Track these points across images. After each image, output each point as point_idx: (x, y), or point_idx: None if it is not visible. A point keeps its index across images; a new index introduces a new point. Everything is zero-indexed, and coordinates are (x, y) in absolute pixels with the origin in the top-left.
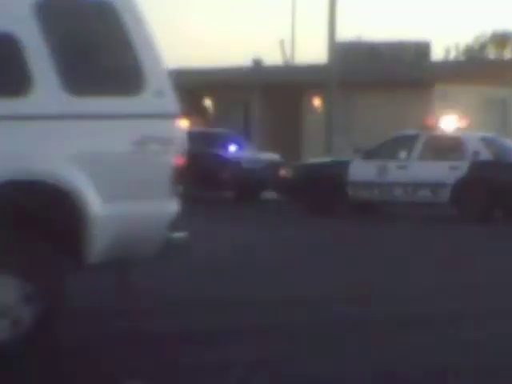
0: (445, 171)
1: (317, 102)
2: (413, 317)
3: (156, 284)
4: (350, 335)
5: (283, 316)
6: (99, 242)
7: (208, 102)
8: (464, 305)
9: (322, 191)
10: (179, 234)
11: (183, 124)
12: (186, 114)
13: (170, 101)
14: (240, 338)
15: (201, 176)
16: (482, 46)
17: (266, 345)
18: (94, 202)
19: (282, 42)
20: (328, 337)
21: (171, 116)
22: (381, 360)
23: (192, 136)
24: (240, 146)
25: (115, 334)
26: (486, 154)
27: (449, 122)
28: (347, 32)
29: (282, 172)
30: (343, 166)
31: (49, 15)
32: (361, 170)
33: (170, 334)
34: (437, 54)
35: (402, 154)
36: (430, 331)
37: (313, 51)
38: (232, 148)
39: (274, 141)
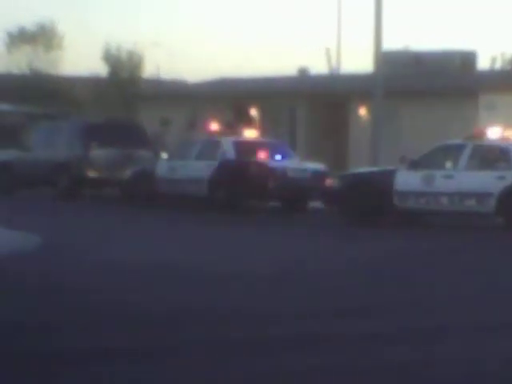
0: (491, 181)
1: (363, 111)
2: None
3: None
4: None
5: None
6: None
7: (254, 111)
8: None
9: (368, 201)
10: None
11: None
12: (233, 123)
13: None
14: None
15: (247, 185)
16: None
17: None
18: None
19: (327, 51)
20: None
21: None
22: None
23: (237, 145)
24: (286, 156)
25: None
26: None
27: (495, 132)
28: (393, 41)
29: (328, 182)
30: (389, 175)
31: None
32: (407, 180)
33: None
34: (483, 63)
35: (448, 164)
36: None
37: (359, 60)
38: (278, 157)
39: (319, 150)
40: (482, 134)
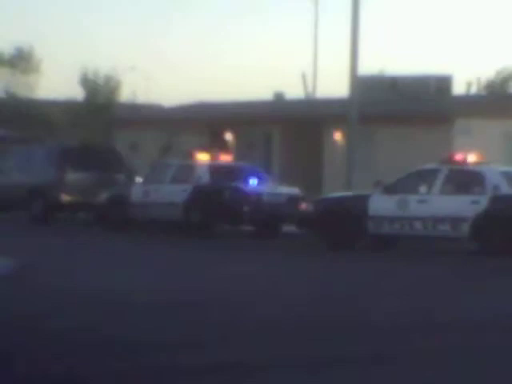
0: (465, 205)
1: (338, 135)
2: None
3: None
4: None
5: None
6: None
7: (229, 136)
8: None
9: (342, 225)
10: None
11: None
12: (208, 148)
13: None
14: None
15: (221, 209)
16: (504, 81)
17: None
18: None
19: (303, 76)
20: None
21: None
22: None
23: (213, 170)
24: (261, 180)
25: None
26: (506, 188)
27: (470, 157)
28: (369, 66)
29: (303, 206)
30: (363, 200)
31: None
32: (381, 204)
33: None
34: (458, 88)
35: (423, 189)
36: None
37: (335, 85)
38: (253, 182)
39: (294, 175)
40: (461, 160)
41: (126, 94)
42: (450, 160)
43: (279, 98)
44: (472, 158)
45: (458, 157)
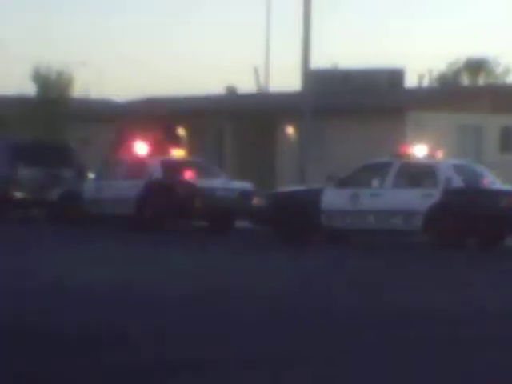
0: (417, 199)
1: (290, 129)
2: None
3: None
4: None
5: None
6: None
7: (181, 130)
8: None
9: (294, 219)
10: None
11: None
12: (160, 142)
13: None
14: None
15: (173, 205)
16: (456, 73)
17: None
18: None
19: (255, 70)
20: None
21: None
22: None
23: (165, 165)
24: (213, 175)
25: None
26: (458, 181)
27: (422, 150)
28: (322, 60)
29: (255, 200)
30: (316, 194)
31: None
32: (334, 198)
33: None
34: (410, 81)
35: (375, 182)
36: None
37: (287, 79)
38: (204, 176)
39: (247, 169)
40: (406, 152)
41: (78, 90)
42: (399, 153)
43: (231, 92)
44: (421, 150)
45: (403, 149)
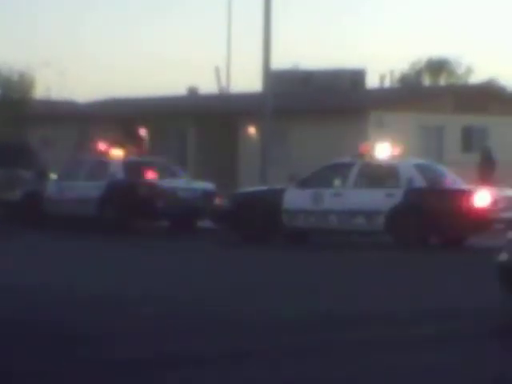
0: (380, 199)
1: (252, 130)
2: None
3: None
4: None
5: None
6: None
7: (143, 131)
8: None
9: (257, 220)
10: None
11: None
12: (121, 143)
13: None
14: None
15: (135, 205)
16: (418, 73)
17: None
18: None
19: (217, 70)
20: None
21: None
22: None
23: (127, 165)
24: (175, 175)
25: None
26: (420, 181)
27: (383, 150)
28: (284, 60)
29: (217, 201)
30: (278, 194)
31: None
32: (295, 198)
33: None
34: (372, 81)
35: (337, 182)
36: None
37: (249, 79)
38: (166, 177)
39: (209, 169)
40: (368, 151)
41: (40, 90)
42: (360, 153)
43: (193, 92)
44: (383, 150)
45: (363, 148)
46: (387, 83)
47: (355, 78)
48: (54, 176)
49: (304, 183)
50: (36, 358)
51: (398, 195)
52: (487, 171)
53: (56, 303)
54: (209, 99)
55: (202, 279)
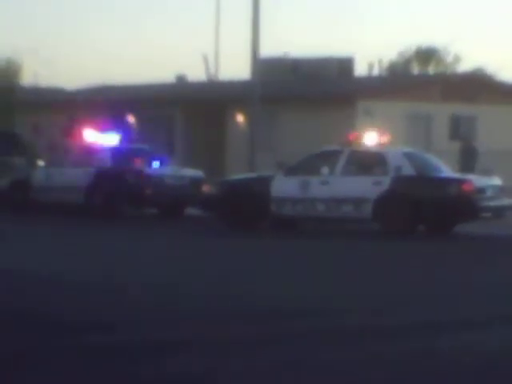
0: (367, 186)
1: (240, 118)
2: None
3: None
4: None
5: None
6: None
7: (131, 118)
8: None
9: (244, 207)
10: None
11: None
12: (109, 129)
13: None
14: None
15: (123, 192)
16: (406, 62)
17: None
18: None
19: (205, 58)
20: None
21: None
22: None
23: (115, 152)
24: (163, 162)
25: None
26: (408, 169)
27: (371, 138)
28: (272, 48)
29: (205, 188)
30: (266, 181)
31: None
32: (283, 186)
33: None
34: (360, 69)
35: (325, 170)
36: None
37: (237, 67)
38: (155, 164)
39: (197, 157)
40: (356, 139)
41: (28, 78)
42: (347, 141)
43: (181, 80)
44: (371, 138)
45: (351, 136)
46: (375, 71)
47: (343, 65)
48: (41, 163)
49: (292, 171)
50: (22, 344)
51: (385, 183)
52: (468, 160)
53: (43, 289)
54: (197, 86)
55: (183, 266)
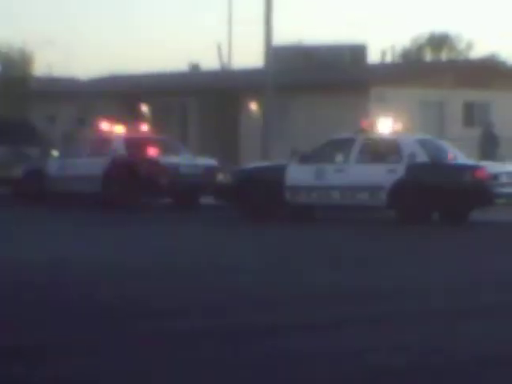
0: (382, 174)
1: (254, 106)
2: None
3: None
4: None
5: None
6: None
7: (145, 107)
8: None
9: (259, 196)
10: None
11: (120, 129)
12: (123, 119)
13: None
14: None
15: (139, 182)
16: (419, 48)
17: None
18: None
19: (218, 46)
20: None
21: None
22: None
23: (129, 142)
24: (177, 152)
25: None
26: (422, 156)
27: (385, 125)
28: (286, 36)
29: (220, 177)
30: (280, 170)
31: None
32: (298, 174)
33: None
34: (373, 56)
35: (339, 158)
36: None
37: (250, 55)
38: (168, 153)
39: (211, 146)
40: (369, 127)
41: (41, 68)
42: (362, 128)
43: (194, 69)
44: (385, 125)
45: (364, 124)
46: (388, 58)
47: (355, 53)
48: (56, 153)
49: (306, 159)
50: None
51: (399, 170)
52: (489, 147)
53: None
54: (210, 75)
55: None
